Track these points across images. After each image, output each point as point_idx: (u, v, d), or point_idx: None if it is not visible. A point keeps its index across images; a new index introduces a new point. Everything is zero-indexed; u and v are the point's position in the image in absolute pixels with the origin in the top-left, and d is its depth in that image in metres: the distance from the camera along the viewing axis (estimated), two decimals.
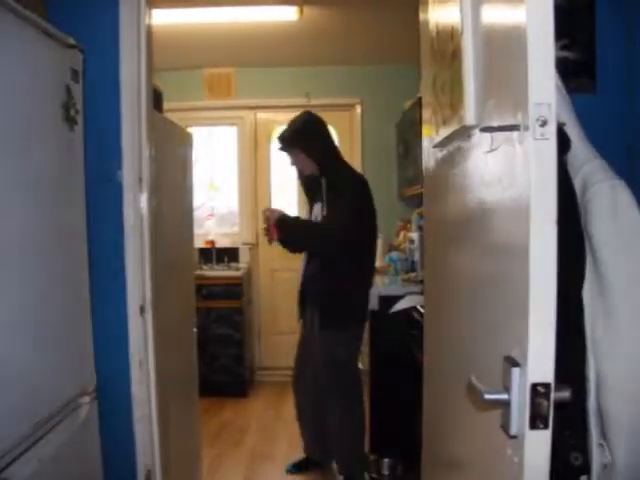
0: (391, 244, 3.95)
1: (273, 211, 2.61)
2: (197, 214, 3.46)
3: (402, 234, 3.89)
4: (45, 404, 1.40)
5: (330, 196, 2.58)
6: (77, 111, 1.59)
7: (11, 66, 1.27)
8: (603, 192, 1.05)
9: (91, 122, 1.73)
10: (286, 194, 4.64)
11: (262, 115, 4.58)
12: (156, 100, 2.15)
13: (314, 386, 2.75)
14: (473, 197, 1.10)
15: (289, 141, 2.66)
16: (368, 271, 2.73)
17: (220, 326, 4.01)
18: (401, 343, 2.59)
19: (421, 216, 3.34)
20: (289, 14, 3.27)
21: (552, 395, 0.78)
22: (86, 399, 1.61)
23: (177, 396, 2.30)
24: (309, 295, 2.70)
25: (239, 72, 4.40)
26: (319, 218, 2.65)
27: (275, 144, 2.86)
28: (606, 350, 1.04)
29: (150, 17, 1.93)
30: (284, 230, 2.54)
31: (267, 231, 2.59)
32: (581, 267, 1.06)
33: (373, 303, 2.81)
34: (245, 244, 4.54)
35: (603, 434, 1.05)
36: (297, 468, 2.91)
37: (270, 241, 2.63)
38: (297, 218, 2.73)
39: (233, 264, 4.39)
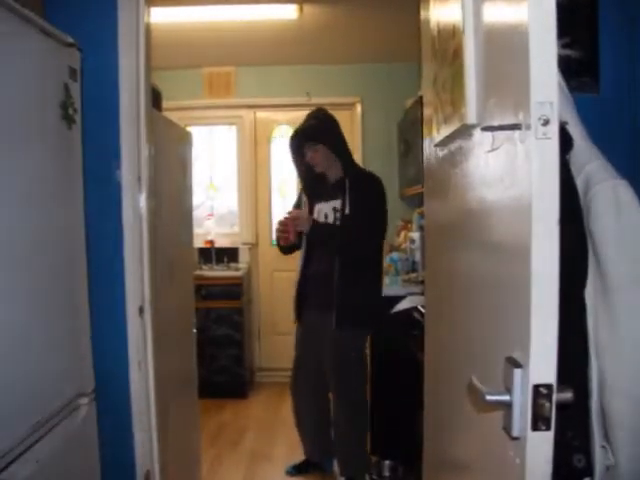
0: (392, 244, 3.94)
1: (299, 219, 2.57)
2: (196, 214, 3.45)
3: (403, 234, 3.88)
4: (44, 405, 1.39)
5: (354, 194, 2.55)
6: (75, 110, 1.58)
7: (8, 64, 1.26)
8: (605, 192, 1.04)
9: (89, 121, 1.72)
10: (286, 194, 4.63)
11: (262, 114, 4.57)
12: (155, 99, 2.15)
13: (315, 387, 2.75)
14: (474, 196, 1.09)
15: (313, 135, 2.61)
16: (381, 270, 2.75)
17: (220, 326, 4.00)
18: (402, 344, 2.58)
19: (422, 216, 3.33)
20: (289, 12, 3.27)
21: (554, 396, 0.78)
22: (85, 400, 1.61)
23: (176, 397, 2.29)
24: (314, 296, 2.66)
25: (239, 71, 4.40)
26: (329, 217, 2.61)
27: (287, 138, 2.78)
28: (608, 350, 1.04)
29: (149, 15, 1.93)
30: (317, 233, 2.53)
31: (284, 233, 2.56)
32: (583, 267, 1.06)
33: None
34: (245, 244, 4.53)
35: (606, 435, 1.04)
36: (297, 470, 2.90)
37: (286, 241, 2.60)
38: (330, 226, 2.61)
39: (233, 264, 4.38)
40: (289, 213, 2.64)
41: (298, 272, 2.75)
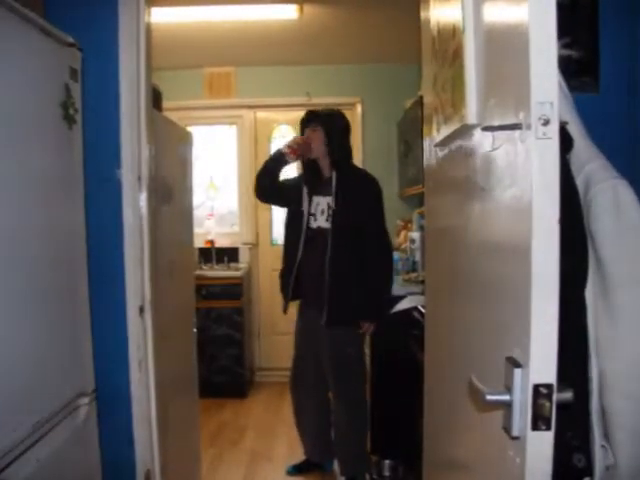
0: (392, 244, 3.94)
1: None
2: (197, 213, 3.45)
3: (403, 234, 3.88)
4: (44, 405, 1.39)
5: (343, 191, 2.57)
6: (76, 110, 1.59)
7: (9, 65, 1.26)
8: (605, 191, 1.04)
9: (90, 121, 1.72)
10: None
11: (262, 114, 4.58)
12: (155, 99, 2.15)
13: (315, 386, 2.75)
14: (475, 196, 1.09)
15: (316, 116, 2.66)
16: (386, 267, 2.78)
17: (220, 326, 4.00)
18: (402, 343, 2.58)
19: (422, 216, 3.34)
20: (289, 13, 3.27)
21: (554, 396, 0.78)
22: (85, 400, 1.61)
23: (177, 396, 2.29)
24: (311, 295, 2.67)
25: (239, 71, 4.40)
26: (325, 212, 2.62)
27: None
28: (609, 350, 1.04)
29: (149, 15, 1.93)
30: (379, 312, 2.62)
31: (296, 145, 2.60)
32: (583, 267, 1.06)
33: None
34: (245, 244, 4.53)
35: (606, 435, 1.04)
36: (297, 470, 2.90)
37: (293, 154, 2.61)
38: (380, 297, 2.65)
39: (233, 264, 4.39)
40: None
41: (287, 264, 2.75)
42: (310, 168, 2.70)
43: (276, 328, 4.46)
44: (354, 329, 2.62)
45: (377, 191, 2.65)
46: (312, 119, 2.66)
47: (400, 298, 2.75)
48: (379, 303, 2.63)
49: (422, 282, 2.76)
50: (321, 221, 2.64)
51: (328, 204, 2.61)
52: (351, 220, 2.55)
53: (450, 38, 1.19)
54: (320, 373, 2.70)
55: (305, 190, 2.70)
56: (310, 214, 2.67)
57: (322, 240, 2.59)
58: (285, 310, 2.82)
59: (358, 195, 2.59)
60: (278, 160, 2.67)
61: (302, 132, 2.73)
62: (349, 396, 2.66)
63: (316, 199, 2.67)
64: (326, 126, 2.62)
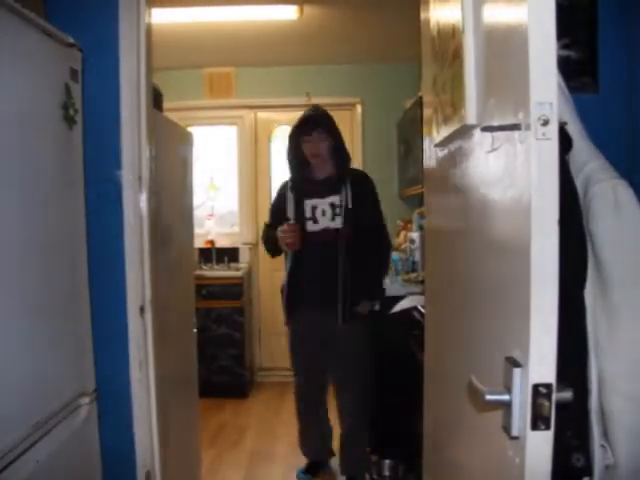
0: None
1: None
2: (197, 214, 3.45)
3: (403, 234, 3.88)
4: (44, 405, 1.39)
5: (356, 190, 2.57)
6: (76, 110, 1.59)
7: (10, 65, 1.26)
8: (605, 192, 1.05)
9: (90, 121, 1.72)
10: None
11: (262, 115, 4.58)
12: (156, 99, 2.15)
13: (322, 386, 2.77)
14: (474, 196, 1.10)
15: (326, 122, 2.61)
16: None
17: (220, 326, 4.01)
18: (402, 343, 2.58)
19: (422, 216, 3.34)
20: (289, 13, 3.27)
21: (554, 396, 0.78)
22: (86, 400, 1.61)
23: (177, 396, 2.29)
24: (321, 293, 2.62)
25: (239, 71, 4.40)
26: (327, 213, 2.58)
27: (287, 138, 2.74)
28: (608, 350, 1.04)
29: (150, 16, 1.93)
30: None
31: (291, 239, 2.56)
32: (583, 267, 1.06)
33: None
34: (245, 244, 4.54)
35: (605, 435, 1.04)
36: (309, 473, 2.84)
37: (292, 248, 2.60)
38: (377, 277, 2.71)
39: (233, 264, 4.39)
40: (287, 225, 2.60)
41: (287, 274, 2.74)
42: (302, 175, 2.67)
43: (276, 328, 4.44)
44: (361, 323, 2.62)
45: (374, 187, 2.70)
46: (315, 125, 2.58)
47: (400, 298, 2.75)
48: (376, 285, 2.68)
49: (422, 282, 2.76)
50: (325, 221, 2.59)
51: (332, 204, 2.58)
52: (361, 216, 2.56)
53: (450, 38, 1.19)
54: (323, 372, 2.72)
55: (291, 197, 2.64)
56: (306, 219, 2.61)
57: (330, 240, 2.57)
58: (287, 322, 2.80)
59: (363, 192, 2.61)
60: (277, 244, 2.67)
61: (301, 137, 2.60)
62: (358, 397, 2.66)
63: (310, 202, 2.61)
64: (330, 130, 2.60)
